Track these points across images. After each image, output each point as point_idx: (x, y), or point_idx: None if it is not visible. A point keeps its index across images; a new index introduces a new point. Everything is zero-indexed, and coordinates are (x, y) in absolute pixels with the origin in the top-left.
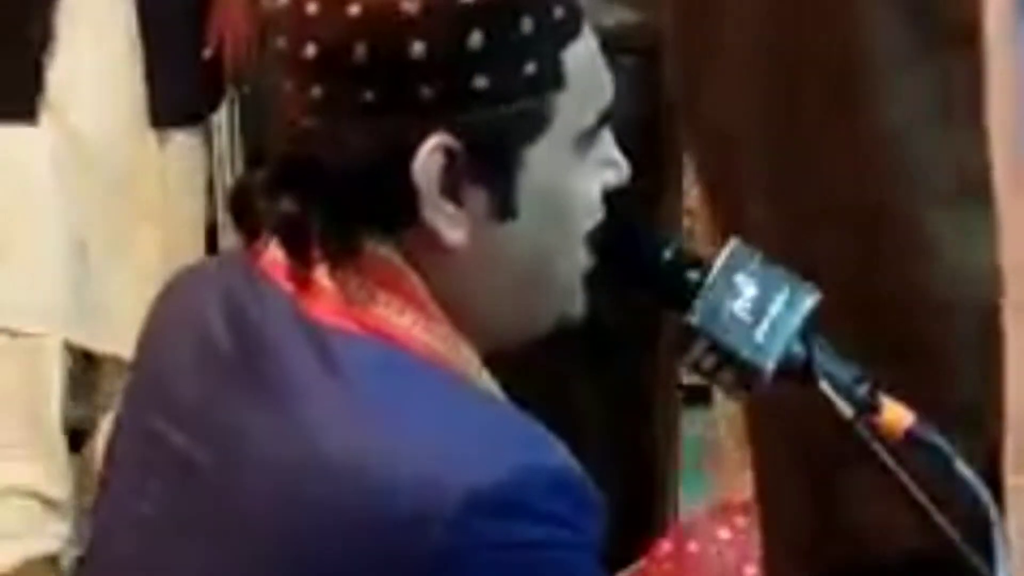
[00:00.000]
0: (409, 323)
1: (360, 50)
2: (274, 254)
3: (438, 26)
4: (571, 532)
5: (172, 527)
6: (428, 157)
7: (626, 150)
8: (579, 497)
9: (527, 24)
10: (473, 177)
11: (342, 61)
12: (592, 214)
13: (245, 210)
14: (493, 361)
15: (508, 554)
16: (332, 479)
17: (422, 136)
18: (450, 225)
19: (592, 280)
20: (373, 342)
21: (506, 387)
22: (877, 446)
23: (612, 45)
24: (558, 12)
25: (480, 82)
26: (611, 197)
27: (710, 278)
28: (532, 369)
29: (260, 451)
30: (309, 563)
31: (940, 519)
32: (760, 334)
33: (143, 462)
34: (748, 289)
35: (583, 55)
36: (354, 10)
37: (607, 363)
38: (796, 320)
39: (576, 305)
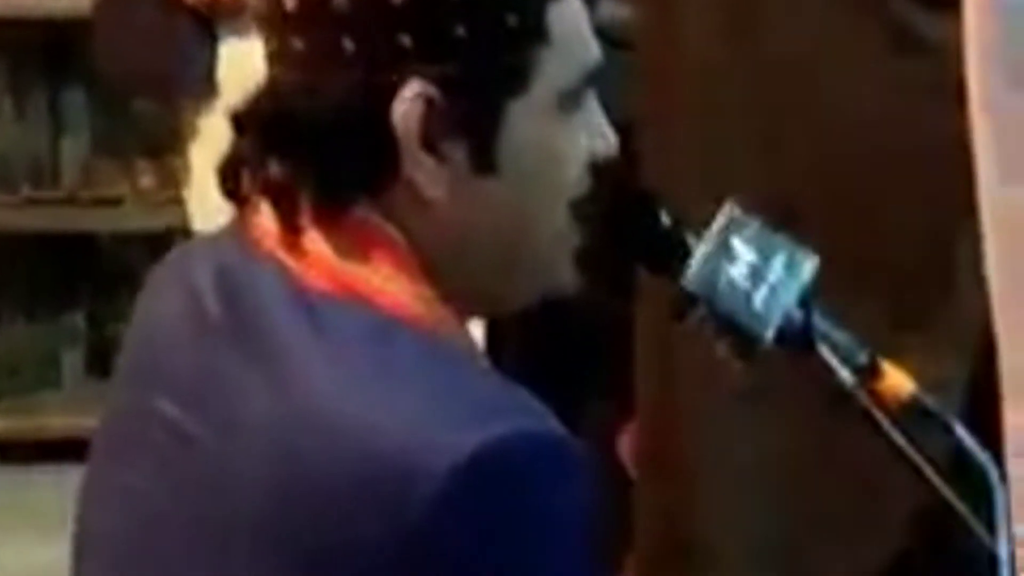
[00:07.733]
0: (397, 288)
1: None
2: (265, 224)
3: None
4: (561, 496)
5: (164, 497)
6: (407, 105)
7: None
8: (570, 462)
9: None
10: (452, 129)
11: (323, 10)
12: (576, 179)
13: (235, 180)
14: None
15: (494, 516)
16: (323, 434)
17: (401, 84)
18: (430, 180)
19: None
20: (362, 307)
21: None
22: (877, 413)
23: (609, 39)
24: None
25: (460, 31)
26: (611, 169)
27: (707, 242)
28: None
29: (253, 412)
30: (302, 517)
31: (939, 483)
32: (759, 301)
33: (135, 440)
34: (746, 254)
35: (568, 13)
36: None
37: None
38: (795, 286)
39: (563, 276)
